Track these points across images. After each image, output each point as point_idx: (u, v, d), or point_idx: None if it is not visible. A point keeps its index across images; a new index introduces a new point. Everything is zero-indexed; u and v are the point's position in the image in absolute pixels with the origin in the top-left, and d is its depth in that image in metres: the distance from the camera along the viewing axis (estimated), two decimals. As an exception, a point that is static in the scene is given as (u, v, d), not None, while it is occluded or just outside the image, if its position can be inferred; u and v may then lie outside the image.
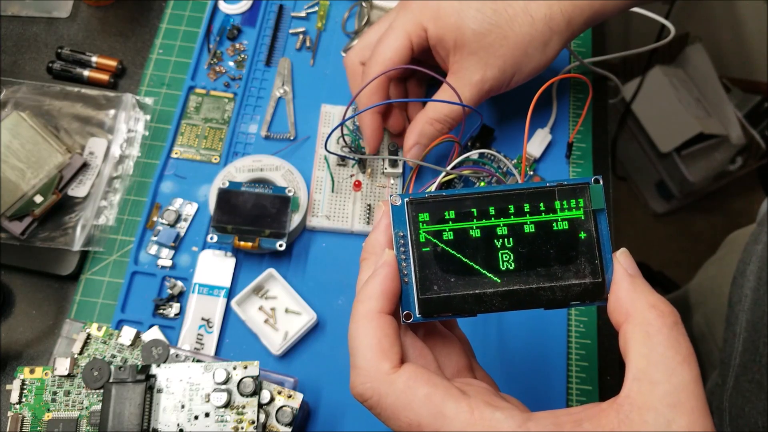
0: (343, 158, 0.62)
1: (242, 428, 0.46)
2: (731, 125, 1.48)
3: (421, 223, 0.35)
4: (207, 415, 0.47)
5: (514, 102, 0.65)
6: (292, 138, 0.65)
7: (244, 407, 0.47)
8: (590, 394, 0.56)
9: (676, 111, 1.48)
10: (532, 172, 0.64)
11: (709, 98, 1.50)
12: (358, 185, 0.62)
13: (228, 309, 0.58)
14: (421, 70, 0.54)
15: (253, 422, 0.46)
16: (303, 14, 0.71)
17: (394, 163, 0.61)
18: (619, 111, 1.51)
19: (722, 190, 1.62)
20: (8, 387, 0.49)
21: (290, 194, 0.58)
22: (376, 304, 0.34)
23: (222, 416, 0.47)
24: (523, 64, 0.54)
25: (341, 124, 0.59)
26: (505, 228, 0.35)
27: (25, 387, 0.49)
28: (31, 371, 0.49)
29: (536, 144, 0.64)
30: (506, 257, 0.35)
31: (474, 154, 0.59)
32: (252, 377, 0.47)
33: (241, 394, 0.47)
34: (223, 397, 0.46)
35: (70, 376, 0.49)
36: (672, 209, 1.61)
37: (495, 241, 0.35)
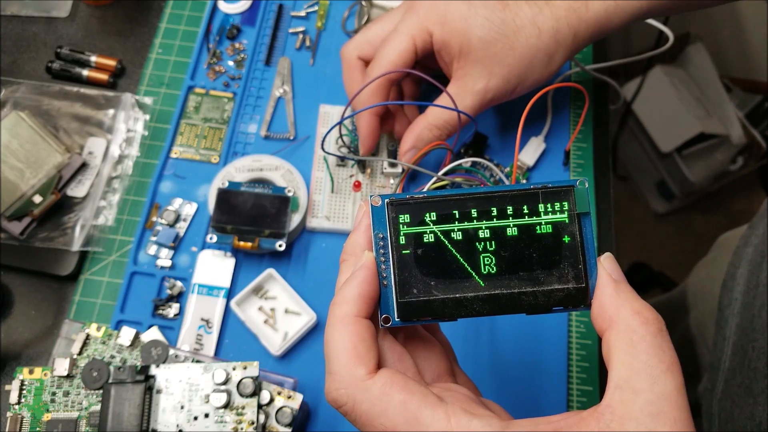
0: (342, 158, 0.62)
1: (242, 429, 0.46)
2: (732, 125, 1.48)
3: (401, 225, 0.34)
4: (206, 415, 0.47)
5: (509, 109, 0.65)
6: (291, 138, 0.65)
7: (243, 408, 0.47)
8: (591, 394, 0.56)
9: (676, 111, 1.47)
10: (525, 181, 0.63)
11: (710, 98, 1.50)
12: (357, 186, 0.61)
13: (227, 309, 0.58)
14: (424, 77, 0.54)
15: (252, 423, 0.46)
16: (303, 14, 0.71)
17: (393, 164, 0.61)
18: (619, 111, 1.51)
19: (723, 190, 1.61)
20: (7, 387, 0.49)
21: (290, 194, 0.58)
22: (352, 307, 0.33)
23: (221, 417, 0.47)
24: (527, 75, 0.54)
25: (338, 125, 0.58)
26: (488, 231, 0.34)
27: (24, 387, 0.49)
28: (30, 372, 0.49)
29: (530, 152, 0.64)
30: (488, 261, 0.34)
31: (466, 162, 0.58)
32: (251, 378, 0.47)
33: (241, 395, 0.47)
34: (222, 398, 0.46)
35: (69, 376, 0.49)
36: (673, 209, 1.61)
37: (477, 244, 0.34)
